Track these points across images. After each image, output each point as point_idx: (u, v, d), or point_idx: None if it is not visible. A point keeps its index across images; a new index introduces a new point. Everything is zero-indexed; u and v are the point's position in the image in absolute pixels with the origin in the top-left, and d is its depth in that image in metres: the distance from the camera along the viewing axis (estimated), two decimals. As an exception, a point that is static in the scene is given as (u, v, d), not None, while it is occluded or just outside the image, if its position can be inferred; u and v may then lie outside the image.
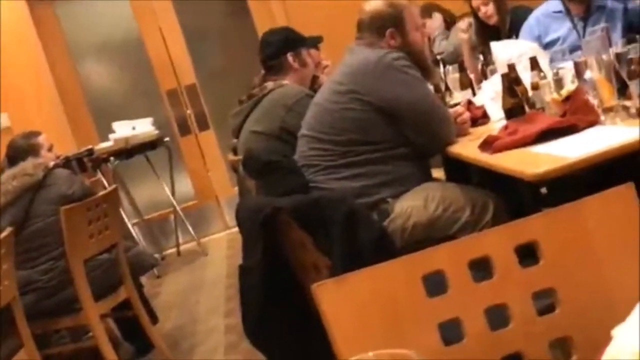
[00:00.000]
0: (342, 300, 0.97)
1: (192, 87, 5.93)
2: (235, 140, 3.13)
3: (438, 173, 3.73)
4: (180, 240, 5.73)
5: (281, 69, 3.05)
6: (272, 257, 1.67)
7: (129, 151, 5.11)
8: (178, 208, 5.51)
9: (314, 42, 3.21)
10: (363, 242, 1.46)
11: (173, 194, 5.51)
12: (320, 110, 2.60)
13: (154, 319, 3.69)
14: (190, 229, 5.51)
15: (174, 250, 5.72)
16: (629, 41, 2.12)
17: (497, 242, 1.01)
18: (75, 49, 5.93)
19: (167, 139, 5.34)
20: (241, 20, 5.92)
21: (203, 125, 5.93)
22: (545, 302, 1.01)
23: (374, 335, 0.97)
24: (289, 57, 3.03)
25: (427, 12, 4.80)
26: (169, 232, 5.80)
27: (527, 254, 1.04)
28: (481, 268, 1.02)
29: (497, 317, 1.01)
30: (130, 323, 3.55)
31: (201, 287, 4.66)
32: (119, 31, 5.98)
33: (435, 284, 1.01)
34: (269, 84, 3.02)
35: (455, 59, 4.04)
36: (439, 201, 2.45)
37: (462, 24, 4.12)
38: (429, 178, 2.68)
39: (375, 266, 1.00)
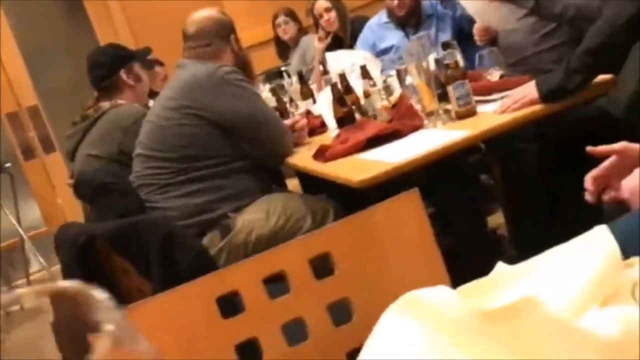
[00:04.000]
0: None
1: (35, 109, 5.64)
2: (70, 164, 3.00)
3: (293, 183, 3.76)
4: (30, 270, 5.42)
5: (115, 88, 2.95)
6: (94, 286, 1.59)
7: (-34, 180, 4.78)
8: (25, 237, 5.21)
9: (144, 54, 3.14)
10: (181, 263, 1.42)
11: (19, 222, 5.21)
12: (154, 128, 2.53)
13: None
14: (40, 258, 5.22)
15: (23, 281, 5.40)
16: (446, 46, 2.22)
17: (292, 256, 1.01)
18: None
19: (8, 164, 5.04)
20: (83, 36, 5.71)
21: (48, 148, 5.65)
22: (341, 312, 1.02)
23: (167, 364, 0.94)
24: (122, 74, 2.93)
25: (289, 16, 4.80)
26: (18, 262, 5.47)
27: (324, 265, 1.04)
28: (278, 281, 1.02)
29: (295, 331, 1.01)
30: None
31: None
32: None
33: (231, 303, 1.00)
34: (104, 104, 2.91)
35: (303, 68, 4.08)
36: (280, 212, 2.46)
37: (320, 32, 4.11)
38: (270, 190, 2.68)
39: (168, 291, 0.97)
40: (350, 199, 2.57)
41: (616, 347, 0.50)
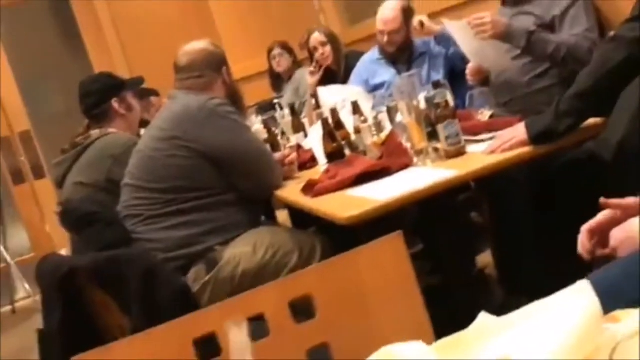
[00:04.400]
0: (104, 373, 0.91)
1: (26, 134, 5.63)
2: (59, 191, 2.97)
3: (283, 215, 3.74)
4: (17, 297, 5.36)
5: (106, 116, 2.94)
6: (73, 320, 1.57)
7: (-46, 204, 4.75)
8: (12, 262, 5.16)
9: (136, 83, 3.14)
10: (162, 299, 1.40)
11: (6, 247, 5.17)
12: (143, 158, 2.52)
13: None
14: (26, 284, 5.17)
15: (9, 308, 5.34)
16: (436, 86, 2.22)
17: (272, 298, 0.99)
18: None
19: (-3, 189, 5.01)
20: (78, 63, 5.72)
21: (39, 174, 5.63)
22: (321, 357, 1.00)
23: (140, 408, 0.92)
24: (114, 103, 2.93)
25: (284, 49, 4.82)
26: (4, 288, 5.41)
27: (305, 308, 1.03)
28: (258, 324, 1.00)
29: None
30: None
31: (36, 347, 4.36)
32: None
33: (209, 346, 0.98)
34: (94, 133, 2.90)
35: (296, 101, 4.09)
36: (268, 246, 2.43)
37: (312, 67, 4.12)
38: (259, 223, 2.66)
39: (142, 333, 0.95)
40: (340, 234, 2.56)
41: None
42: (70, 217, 2.34)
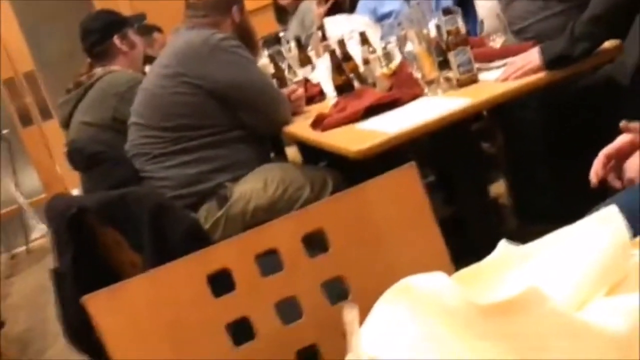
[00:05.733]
0: (117, 310, 0.90)
1: (31, 74, 5.57)
2: (65, 131, 2.95)
3: (292, 151, 3.71)
4: (31, 237, 5.42)
5: (109, 54, 2.89)
6: (86, 259, 1.56)
7: (-36, 148, 4.75)
8: (24, 204, 5.19)
9: (138, 20, 3.08)
10: (173, 236, 1.39)
11: (19, 188, 5.19)
12: (149, 96, 2.48)
13: (-1, 322, 3.47)
14: (40, 224, 5.21)
15: (23, 248, 5.40)
16: (446, 12, 2.15)
17: (285, 232, 0.97)
18: None
19: (5, 131, 5.00)
20: (80, 3, 5.62)
21: (46, 115, 5.60)
22: (337, 290, 0.99)
23: (155, 344, 0.91)
24: (116, 40, 2.87)
25: None
26: (18, 229, 5.46)
27: (318, 242, 1.01)
28: (271, 259, 0.98)
29: (290, 309, 0.98)
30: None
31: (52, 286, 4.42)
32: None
33: (222, 282, 0.96)
34: (98, 71, 2.85)
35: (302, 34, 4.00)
36: (278, 182, 2.41)
37: None
38: (268, 159, 2.64)
39: (154, 270, 0.93)
40: (350, 168, 2.53)
41: (624, 342, 0.46)
42: (78, 157, 2.32)
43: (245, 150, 2.49)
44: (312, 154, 3.27)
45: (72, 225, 1.50)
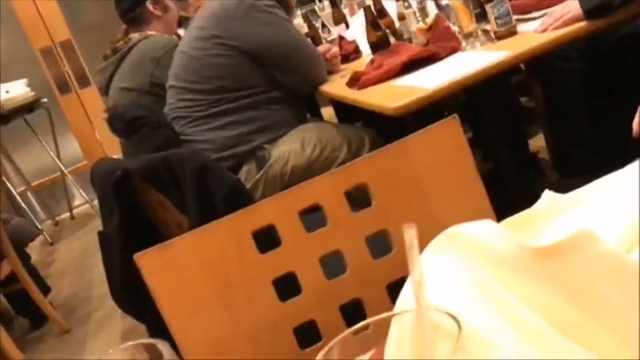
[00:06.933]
0: (167, 268, 0.92)
1: (68, 43, 5.63)
2: (105, 98, 2.99)
3: (328, 112, 3.71)
4: (74, 204, 5.53)
5: (143, 19, 2.91)
6: (132, 221, 1.60)
7: (5, 117, 4.83)
8: (66, 171, 5.29)
9: None
10: (217, 196, 1.41)
11: (60, 157, 5.29)
12: (186, 59, 2.49)
13: (45, 289, 3.57)
14: (82, 191, 5.32)
15: (67, 215, 5.52)
16: (484, -35, 2.11)
17: (327, 188, 0.98)
18: None
19: (45, 100, 5.07)
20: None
21: (84, 83, 5.67)
22: (380, 245, 0.99)
23: (204, 300, 0.93)
24: (149, 5, 2.88)
25: None
26: (61, 197, 5.58)
27: (362, 199, 1.01)
28: (314, 216, 1.00)
29: (333, 265, 0.99)
30: (21, 297, 3.42)
31: (96, 251, 4.51)
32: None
33: (267, 238, 0.98)
34: (134, 36, 2.88)
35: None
36: (315, 142, 2.42)
37: None
38: (305, 120, 2.64)
39: (201, 228, 0.95)
40: (387, 127, 2.52)
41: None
42: (119, 123, 2.35)
43: (282, 111, 2.50)
44: (348, 114, 3.26)
45: (117, 189, 1.53)
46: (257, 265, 0.96)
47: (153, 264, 0.92)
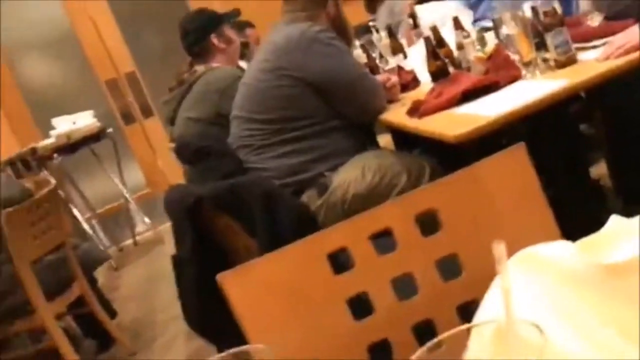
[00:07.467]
0: (247, 287, 0.98)
1: (132, 75, 5.84)
2: (170, 128, 3.10)
3: (384, 139, 3.75)
4: (137, 231, 5.68)
5: (207, 52, 3.02)
6: (204, 244, 1.67)
7: (72, 146, 5.03)
8: (130, 198, 5.46)
9: (232, 16, 3.20)
10: (283, 222, 1.47)
11: (124, 184, 5.45)
12: (249, 90, 2.58)
13: (111, 312, 3.68)
14: (145, 218, 5.47)
15: (130, 241, 5.67)
16: (543, -6, 2.14)
17: (397, 213, 1.02)
18: (7, 48, 5.78)
19: (110, 129, 5.26)
20: (175, 2, 5.83)
21: (147, 113, 5.86)
22: (450, 268, 1.03)
23: (283, 317, 0.99)
24: (213, 39, 3.00)
25: None
26: (125, 223, 5.74)
27: (429, 223, 1.06)
28: (384, 240, 1.04)
29: (405, 287, 1.03)
30: (89, 320, 3.54)
31: (159, 276, 4.63)
32: (50, 25, 5.85)
33: (342, 260, 1.03)
34: (199, 69, 2.99)
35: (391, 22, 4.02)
36: (375, 170, 2.47)
37: None
38: (365, 148, 2.69)
39: (279, 250, 1.00)
40: (445, 155, 2.55)
41: None
42: (186, 151, 2.45)
43: (342, 140, 2.56)
44: (405, 141, 3.29)
45: (190, 214, 1.60)
46: (332, 285, 1.00)
47: (234, 283, 0.98)
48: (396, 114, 2.47)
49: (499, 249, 0.46)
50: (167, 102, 3.05)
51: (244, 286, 0.98)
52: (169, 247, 5.18)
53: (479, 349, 0.59)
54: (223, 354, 0.63)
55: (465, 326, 0.58)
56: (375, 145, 3.52)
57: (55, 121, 5.07)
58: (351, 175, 2.46)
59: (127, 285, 4.78)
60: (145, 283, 4.65)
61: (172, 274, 4.47)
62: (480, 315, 0.64)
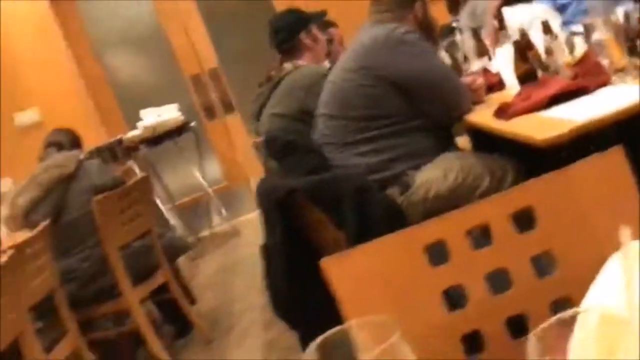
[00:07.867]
0: (348, 273, 1.04)
1: (215, 71, 6.00)
2: (256, 123, 3.20)
3: (461, 141, 3.75)
4: (214, 223, 5.84)
5: (296, 50, 3.10)
6: (292, 235, 1.73)
7: (157, 138, 5.21)
8: (209, 191, 5.61)
9: (320, 16, 3.28)
10: (373, 216, 1.51)
11: (203, 177, 5.62)
12: (335, 89, 2.64)
13: (191, 300, 3.81)
14: (223, 210, 5.61)
15: (207, 232, 5.83)
16: (637, -1, 2.13)
17: (494, 209, 1.06)
18: (98, 44, 6.04)
19: (193, 123, 5.42)
20: (260, 2, 5.96)
21: (228, 109, 6.01)
22: (544, 264, 1.06)
23: (380, 304, 1.04)
24: (302, 36, 3.08)
25: None
26: (203, 215, 5.91)
27: (525, 220, 1.09)
28: (480, 236, 1.08)
29: (499, 282, 1.07)
30: (169, 305, 3.67)
31: (236, 267, 4.76)
32: (139, 22, 6.08)
33: (437, 253, 1.07)
34: (287, 66, 3.07)
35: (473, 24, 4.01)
36: (458, 171, 2.49)
37: None
38: (447, 148, 2.72)
39: (378, 240, 1.05)
40: (526, 158, 2.55)
41: None
42: (273, 146, 2.52)
43: (425, 139, 2.59)
44: (483, 144, 3.29)
45: (281, 205, 1.67)
46: (428, 276, 1.05)
47: (336, 268, 1.03)
48: (482, 115, 2.48)
49: (625, 234, 0.50)
50: (256, 97, 3.15)
51: (345, 272, 1.03)
52: (245, 239, 5.33)
53: (584, 334, 0.62)
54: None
55: (572, 311, 0.61)
56: (453, 146, 3.54)
57: (143, 113, 5.26)
58: (433, 175, 2.49)
59: (204, 275, 4.92)
60: (221, 273, 4.78)
61: (247, 265, 4.59)
62: (586, 304, 0.68)
